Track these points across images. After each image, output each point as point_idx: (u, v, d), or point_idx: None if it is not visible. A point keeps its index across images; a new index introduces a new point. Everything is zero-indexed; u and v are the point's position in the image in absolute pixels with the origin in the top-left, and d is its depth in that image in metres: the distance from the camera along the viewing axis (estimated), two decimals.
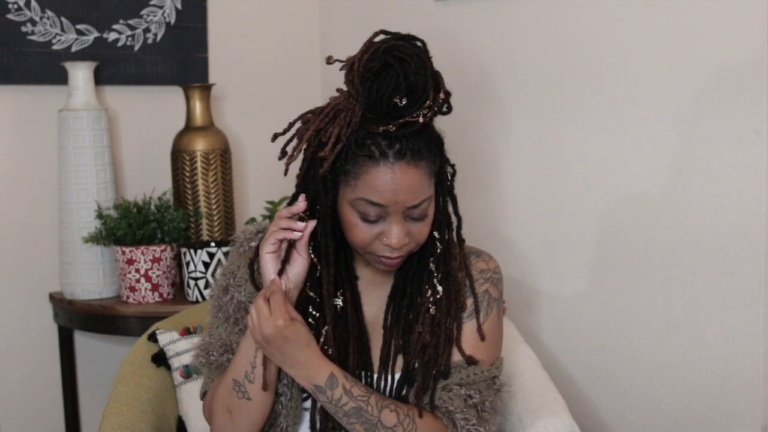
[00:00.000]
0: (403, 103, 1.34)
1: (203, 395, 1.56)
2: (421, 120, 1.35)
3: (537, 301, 2.26)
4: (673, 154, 1.96)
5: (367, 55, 1.34)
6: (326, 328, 1.46)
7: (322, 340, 1.45)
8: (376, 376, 1.49)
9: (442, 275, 1.49)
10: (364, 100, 1.34)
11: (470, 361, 1.48)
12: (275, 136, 1.44)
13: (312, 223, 1.42)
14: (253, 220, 2.57)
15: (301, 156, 1.45)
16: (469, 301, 1.52)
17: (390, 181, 1.35)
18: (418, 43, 1.37)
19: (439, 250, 1.49)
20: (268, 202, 2.53)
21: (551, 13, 2.17)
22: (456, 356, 1.49)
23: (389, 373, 1.49)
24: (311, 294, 1.47)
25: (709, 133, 1.89)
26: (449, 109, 1.41)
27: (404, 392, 1.49)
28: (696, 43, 1.90)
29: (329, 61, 1.41)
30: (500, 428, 1.64)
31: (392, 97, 1.33)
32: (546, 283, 2.24)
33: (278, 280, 1.41)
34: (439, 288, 1.49)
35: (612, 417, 2.13)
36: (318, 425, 1.47)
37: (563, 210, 2.19)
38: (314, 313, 1.47)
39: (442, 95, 1.38)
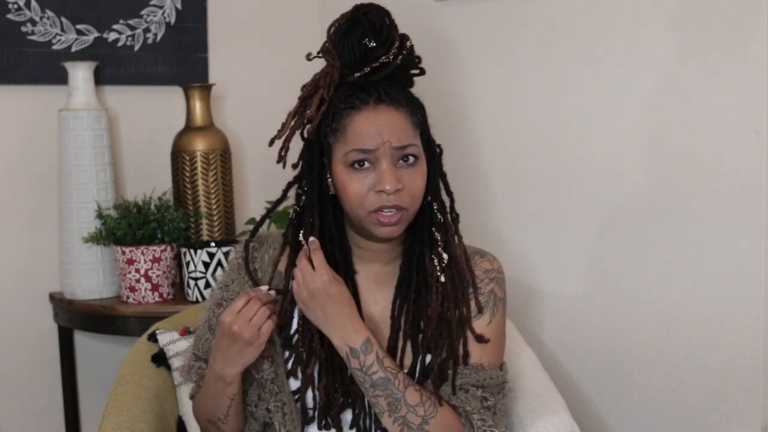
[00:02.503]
0: (372, 44, 1.43)
1: (192, 396, 1.61)
2: (392, 59, 1.43)
3: (537, 301, 2.26)
4: (672, 153, 1.96)
5: (336, 23, 1.46)
6: None
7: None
8: None
9: (444, 244, 1.51)
10: (339, 58, 1.44)
11: (481, 339, 1.50)
12: (272, 141, 1.48)
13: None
14: (253, 220, 2.57)
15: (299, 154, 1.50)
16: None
17: (374, 122, 1.42)
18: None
19: (440, 220, 1.51)
20: (268, 202, 2.52)
21: (551, 14, 2.17)
22: (471, 358, 1.50)
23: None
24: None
25: (709, 133, 1.89)
26: (419, 61, 1.50)
27: None
28: (696, 42, 1.90)
29: (309, 57, 1.51)
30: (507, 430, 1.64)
31: (362, 41, 1.43)
32: (546, 283, 2.24)
33: (316, 241, 1.46)
34: (445, 256, 1.51)
35: (612, 417, 2.13)
36: None
37: (563, 211, 2.19)
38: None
39: (409, 43, 1.47)
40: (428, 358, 1.49)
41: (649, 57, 1.98)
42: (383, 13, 1.46)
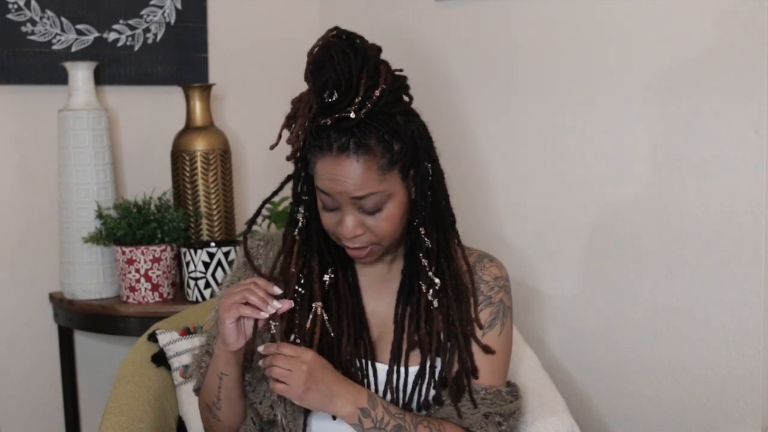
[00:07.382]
0: (333, 99, 1.37)
1: (197, 390, 1.61)
2: (352, 115, 1.36)
3: (537, 301, 2.26)
4: (673, 153, 1.96)
5: (311, 53, 1.40)
6: (315, 304, 1.47)
7: (310, 317, 1.46)
8: (386, 368, 1.49)
9: (436, 268, 1.49)
10: (312, 92, 1.39)
11: (488, 350, 1.50)
12: (272, 148, 1.47)
13: (287, 304, 1.41)
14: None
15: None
16: (488, 311, 1.53)
17: (331, 172, 1.38)
18: (357, 41, 1.40)
19: (428, 245, 1.48)
20: (270, 204, 2.52)
21: (550, 14, 2.17)
22: (487, 380, 1.50)
23: (401, 365, 1.49)
24: (293, 271, 1.49)
25: (709, 133, 1.89)
26: (400, 96, 1.42)
27: (422, 387, 1.49)
28: (696, 42, 1.90)
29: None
30: None
31: (323, 93, 1.37)
32: (546, 283, 2.24)
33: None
34: (436, 280, 1.49)
35: (612, 417, 2.13)
36: None
37: (563, 211, 2.19)
38: (300, 290, 1.49)
39: (377, 93, 1.37)
40: (438, 361, 1.49)
41: (648, 57, 1.98)
42: (344, 56, 1.36)
